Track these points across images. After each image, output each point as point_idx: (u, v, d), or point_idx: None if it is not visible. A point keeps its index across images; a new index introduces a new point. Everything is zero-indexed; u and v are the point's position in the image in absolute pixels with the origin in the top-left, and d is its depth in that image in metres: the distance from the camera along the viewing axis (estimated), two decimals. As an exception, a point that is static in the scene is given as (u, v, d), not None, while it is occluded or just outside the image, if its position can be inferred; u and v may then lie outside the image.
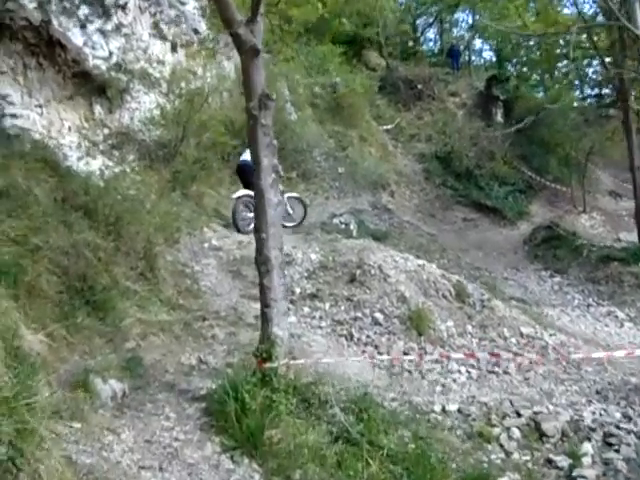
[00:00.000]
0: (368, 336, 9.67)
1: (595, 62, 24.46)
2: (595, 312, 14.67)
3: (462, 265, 17.48)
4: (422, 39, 37.06)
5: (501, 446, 6.69)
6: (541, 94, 29.21)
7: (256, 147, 6.24)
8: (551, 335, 11.04)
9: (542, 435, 6.91)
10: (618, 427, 7.29)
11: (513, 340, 10.55)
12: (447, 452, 6.34)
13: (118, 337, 7.76)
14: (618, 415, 7.72)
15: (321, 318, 10.09)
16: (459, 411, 7.35)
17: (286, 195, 13.77)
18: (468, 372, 8.96)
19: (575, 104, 27.24)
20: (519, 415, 7.28)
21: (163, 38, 14.40)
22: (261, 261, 6.25)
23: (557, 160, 25.03)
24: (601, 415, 7.68)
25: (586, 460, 6.51)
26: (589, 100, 27.84)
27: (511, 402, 7.70)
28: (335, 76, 21.79)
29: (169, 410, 6.36)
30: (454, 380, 8.63)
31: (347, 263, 11.42)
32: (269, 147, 6.27)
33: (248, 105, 6.30)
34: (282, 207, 6.38)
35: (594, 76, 26.03)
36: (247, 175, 12.73)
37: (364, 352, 9.25)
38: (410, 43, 34.72)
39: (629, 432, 7.21)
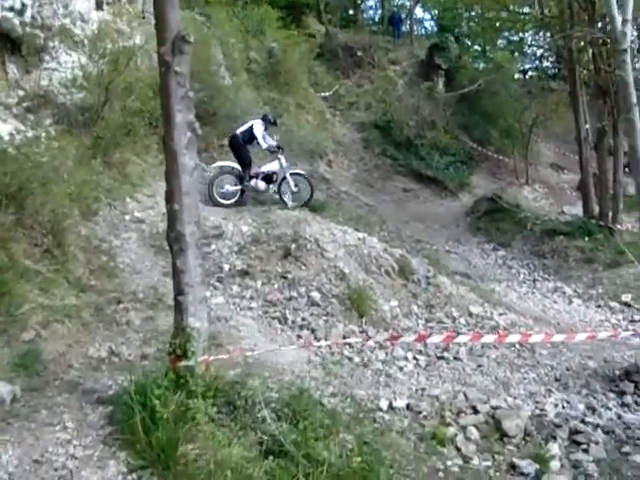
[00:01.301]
0: (304, 318, 8.76)
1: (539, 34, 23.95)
2: (542, 288, 14.08)
3: (403, 238, 16.66)
4: (362, 6, 36.04)
5: (458, 450, 5.79)
6: (482, 65, 28.57)
7: (168, 100, 5.07)
8: (501, 314, 10.36)
9: (503, 435, 6.05)
10: (584, 421, 6.55)
11: (462, 320, 9.81)
12: (397, 460, 5.41)
13: (13, 327, 6.64)
14: (582, 407, 6.99)
15: (252, 298, 9.16)
16: (408, 407, 6.43)
17: (290, 171, 13.44)
18: (415, 359, 8.09)
19: (516, 76, 26.75)
20: (476, 411, 6.41)
21: (87, -6, 13.10)
22: (173, 238, 5.12)
23: (499, 131, 24.40)
24: (564, 408, 6.93)
25: (554, 464, 5.68)
26: (530, 73, 27.34)
27: (465, 395, 6.83)
28: (272, 41, 20.65)
29: (68, 418, 5.24)
30: (400, 369, 7.73)
31: (281, 236, 10.56)
32: (184, 100, 5.11)
33: (160, 49, 5.14)
34: (199, 172, 5.22)
35: (539, 48, 25.46)
36: (235, 148, 13.27)
37: (299, 337, 8.31)
38: (350, 10, 33.65)
39: (596, 427, 6.49)
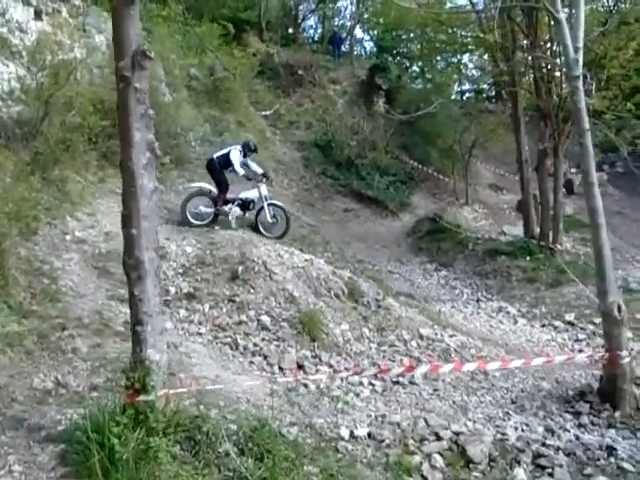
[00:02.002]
0: (255, 344, 8.54)
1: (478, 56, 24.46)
2: (486, 308, 14.23)
3: (347, 258, 16.66)
4: (303, 25, 36.20)
5: (425, 479, 5.66)
6: (420, 86, 29.05)
7: (127, 117, 4.83)
8: (451, 336, 10.38)
9: (468, 461, 5.95)
10: (545, 444, 6.52)
11: (413, 343, 9.79)
12: (364, 492, 5.26)
13: (-51, 360, 6.19)
14: (541, 429, 6.99)
15: (200, 323, 8.93)
16: (370, 436, 6.27)
17: (267, 202, 13.53)
18: (372, 384, 7.97)
19: (455, 97, 27.21)
20: (438, 437, 6.30)
21: (26, 3, 12.71)
22: (131, 265, 4.81)
23: (439, 151, 24.82)
24: (524, 431, 6.91)
25: (521, 490, 5.63)
26: (468, 94, 27.87)
27: (426, 421, 6.72)
28: (213, 58, 20.41)
29: (14, 459, 4.75)
30: (357, 395, 7.58)
31: (227, 258, 10.41)
32: (144, 118, 4.88)
33: (118, 64, 4.89)
34: (158, 195, 4.97)
35: (479, 70, 25.94)
36: (211, 171, 13.46)
37: (252, 363, 8.11)
38: (291, 29, 33.74)
39: (557, 449, 6.47)
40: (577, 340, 11.65)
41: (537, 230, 17.49)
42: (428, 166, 24.40)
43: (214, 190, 13.15)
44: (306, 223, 18.58)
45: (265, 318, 9.09)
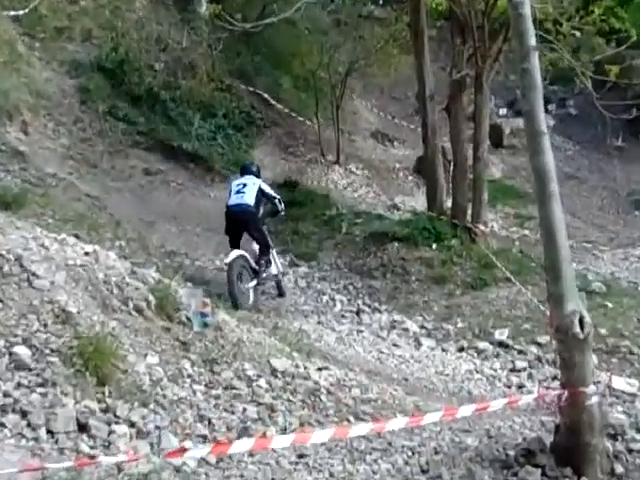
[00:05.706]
0: (6, 394, 8.05)
1: None
2: (372, 323, 14.45)
3: (151, 249, 16.51)
4: None
5: None
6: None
7: None
8: (320, 369, 10.34)
9: None
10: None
11: (263, 383, 9.64)
12: None
13: None
14: (470, 514, 7.03)
15: None
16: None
17: None
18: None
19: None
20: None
21: None
22: None
23: (295, 80, 24.90)
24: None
25: None
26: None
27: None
28: None
29: None
30: (177, 471, 7.36)
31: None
32: None
33: None
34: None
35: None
36: (247, 226, 15.29)
37: (2, 426, 7.63)
38: None
39: None
40: (514, 370, 11.99)
41: (447, 203, 17.85)
42: (278, 103, 24.51)
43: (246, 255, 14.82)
44: (85, 194, 18.35)
45: (22, 350, 8.64)
